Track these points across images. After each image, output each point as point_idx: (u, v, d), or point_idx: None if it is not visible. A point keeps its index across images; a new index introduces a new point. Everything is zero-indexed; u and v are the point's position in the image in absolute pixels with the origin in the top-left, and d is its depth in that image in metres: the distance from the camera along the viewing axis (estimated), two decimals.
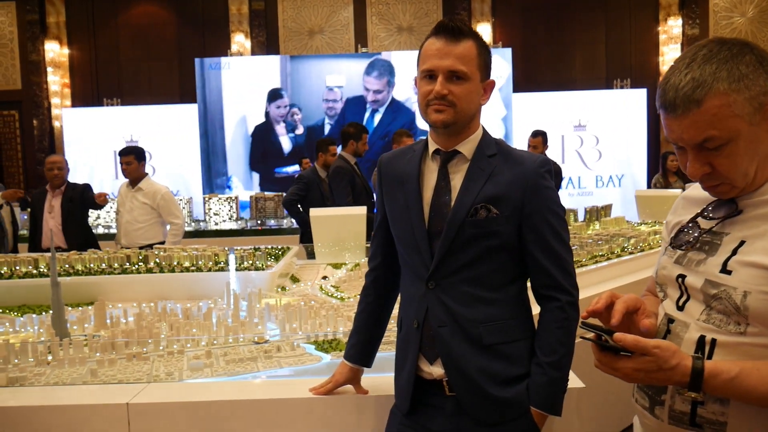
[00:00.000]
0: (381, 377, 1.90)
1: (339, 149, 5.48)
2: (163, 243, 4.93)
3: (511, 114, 9.88)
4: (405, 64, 9.92)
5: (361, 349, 1.80)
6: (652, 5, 12.36)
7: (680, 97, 1.09)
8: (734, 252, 1.11)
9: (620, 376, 1.12)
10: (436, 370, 1.58)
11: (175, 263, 3.49)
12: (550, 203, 1.56)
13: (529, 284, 1.63)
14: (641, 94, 10.86)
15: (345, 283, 3.45)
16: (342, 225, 4.20)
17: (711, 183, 1.15)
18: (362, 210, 4.32)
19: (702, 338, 1.13)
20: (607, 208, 6.24)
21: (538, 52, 11.44)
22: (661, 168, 7.57)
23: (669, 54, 12.25)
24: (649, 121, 11.22)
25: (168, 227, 5.11)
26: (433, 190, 1.59)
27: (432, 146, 1.63)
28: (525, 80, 10.67)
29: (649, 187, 10.67)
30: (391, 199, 1.67)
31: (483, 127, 1.64)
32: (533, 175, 1.55)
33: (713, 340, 1.11)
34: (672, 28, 12.19)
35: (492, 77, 1.61)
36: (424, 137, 1.69)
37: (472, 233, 1.52)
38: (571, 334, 1.55)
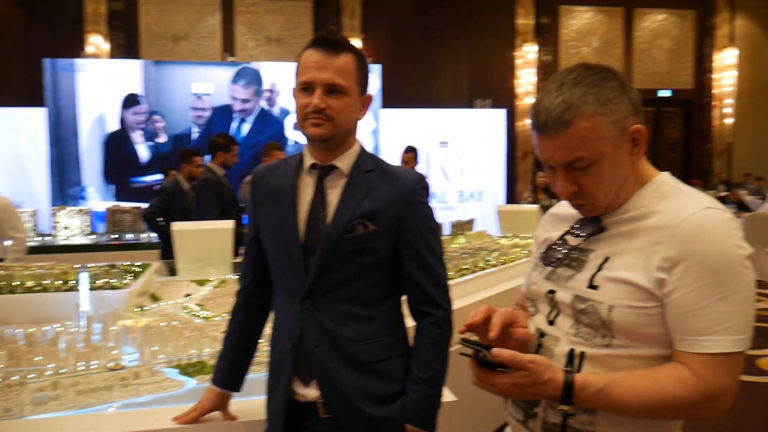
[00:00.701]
0: (251, 401, 1.81)
1: (207, 159, 5.27)
2: (2, 260, 4.46)
3: (378, 128, 10.05)
4: (274, 75, 9.79)
5: (230, 373, 1.70)
6: (510, 31, 13.15)
7: (551, 119, 1.13)
8: (600, 268, 1.16)
9: (496, 392, 1.13)
10: (310, 392, 1.52)
11: (17, 283, 3.15)
12: (426, 219, 1.57)
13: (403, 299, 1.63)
14: (501, 114, 11.48)
15: (210, 301, 3.29)
16: (207, 239, 4.02)
17: (578, 201, 1.20)
18: (229, 224, 4.17)
19: (571, 351, 1.17)
20: (470, 223, 6.49)
21: (406, 69, 11.77)
22: (531, 184, 7.94)
23: (524, 77, 13.07)
24: (507, 140, 11.89)
25: (7, 242, 4.63)
26: (309, 205, 1.55)
27: (308, 160, 1.58)
28: (393, 96, 10.92)
29: (509, 202, 11.27)
30: (265, 214, 1.61)
31: (360, 142, 1.62)
32: (410, 191, 1.55)
33: (582, 353, 1.16)
34: (527, 53, 13.02)
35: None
36: (299, 152, 1.65)
37: (349, 250, 1.49)
38: (446, 349, 1.56)
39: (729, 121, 15.67)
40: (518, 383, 1.10)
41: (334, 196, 1.54)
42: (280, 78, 9.78)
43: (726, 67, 15.46)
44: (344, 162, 1.56)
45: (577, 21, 14.39)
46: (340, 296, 1.51)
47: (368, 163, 1.58)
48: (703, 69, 15.50)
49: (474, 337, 1.24)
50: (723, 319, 1.05)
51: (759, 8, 15.95)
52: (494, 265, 4.08)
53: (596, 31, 14.61)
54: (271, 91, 9.70)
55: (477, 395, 2.94)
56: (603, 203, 1.19)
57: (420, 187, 1.57)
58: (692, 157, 15.68)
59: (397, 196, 1.53)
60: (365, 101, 1.57)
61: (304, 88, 1.50)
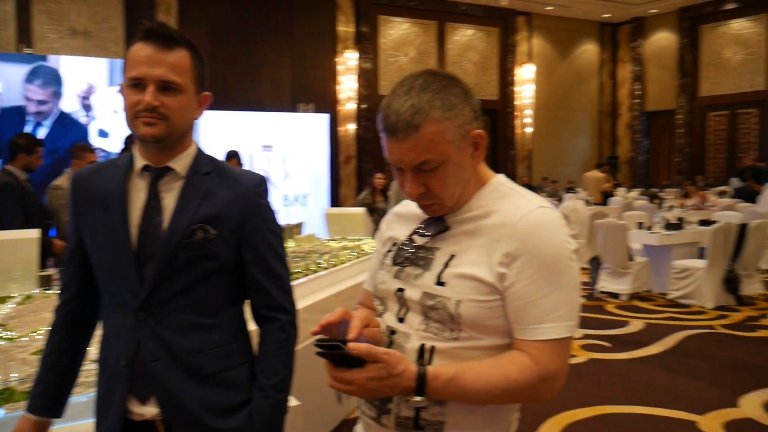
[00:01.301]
0: (76, 426, 1.64)
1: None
2: None
3: (198, 131, 9.67)
4: (78, 71, 9.01)
5: (48, 398, 1.53)
6: (332, 37, 13.34)
7: (401, 122, 1.16)
8: (446, 265, 1.22)
9: (354, 390, 1.13)
10: (149, 410, 1.41)
11: None
12: (269, 222, 1.53)
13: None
14: (324, 118, 11.59)
15: (14, 320, 2.93)
16: (8, 251, 3.59)
17: (426, 202, 1.25)
18: (34, 233, 3.76)
19: (422, 346, 1.21)
20: (298, 226, 6.47)
21: (226, 70, 11.44)
22: (369, 186, 8.02)
23: (346, 83, 13.32)
24: (331, 144, 12.04)
25: None
26: (142, 210, 1.43)
27: (139, 162, 1.46)
28: (213, 98, 10.56)
29: (333, 205, 11.41)
30: (90, 220, 1.46)
31: (197, 144, 1.54)
32: (251, 193, 1.50)
33: (432, 348, 1.20)
34: (348, 60, 13.29)
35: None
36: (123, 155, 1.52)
37: (189, 256, 1.41)
38: (292, 353, 1.53)
39: (529, 130, 17.26)
40: (375, 376, 1.11)
41: (170, 200, 1.45)
42: (89, 75, 9.02)
43: (526, 81, 17.01)
44: (180, 164, 1.47)
45: (395, 31, 14.99)
46: (179, 306, 1.42)
47: (206, 164, 1.51)
48: (506, 82, 16.91)
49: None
50: (555, 308, 1.15)
51: (553, 30, 17.78)
52: (326, 268, 4.11)
53: (412, 42, 15.32)
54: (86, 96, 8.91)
55: (315, 396, 2.94)
56: (449, 203, 1.24)
57: (262, 189, 1.54)
58: (498, 162, 17.01)
59: (238, 199, 1.48)
60: (202, 100, 1.50)
61: (135, 84, 1.39)
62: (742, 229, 6.68)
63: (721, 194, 12.23)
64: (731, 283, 6.47)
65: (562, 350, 1.17)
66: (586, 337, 5.50)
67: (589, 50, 18.72)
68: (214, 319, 1.46)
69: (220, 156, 6.41)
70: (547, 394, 1.17)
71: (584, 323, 5.94)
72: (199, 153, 1.52)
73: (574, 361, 4.86)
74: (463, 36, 16.27)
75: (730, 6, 16.53)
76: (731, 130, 17.01)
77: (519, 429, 1.30)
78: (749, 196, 10.62)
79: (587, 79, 18.77)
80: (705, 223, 7.37)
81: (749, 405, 3.93)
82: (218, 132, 9.74)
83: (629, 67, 18.81)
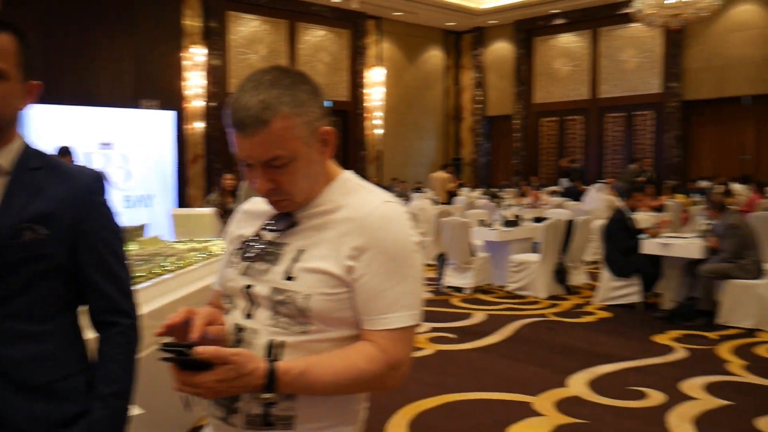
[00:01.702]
0: None
1: None
2: None
3: (26, 126, 8.85)
4: None
5: None
6: (177, 32, 12.79)
7: (250, 117, 1.16)
8: (295, 260, 1.23)
9: (203, 393, 1.11)
10: None
11: None
12: (107, 221, 1.45)
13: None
14: (169, 115, 11.09)
15: None
16: None
17: (275, 198, 1.25)
18: None
19: (271, 342, 1.21)
20: (141, 228, 6.14)
21: (56, 62, 10.57)
22: (218, 187, 7.75)
23: (193, 80, 12.85)
24: (177, 143, 11.55)
25: None
26: None
27: None
28: (44, 90, 9.73)
29: (181, 206, 10.95)
30: None
31: (24, 137, 1.42)
32: (87, 191, 1.41)
33: (282, 342, 1.20)
34: (195, 56, 12.82)
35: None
36: None
37: (16, 259, 1.30)
38: (134, 359, 1.46)
39: (379, 131, 17.68)
40: (224, 378, 1.10)
41: None
42: None
43: (375, 84, 17.40)
44: (5, 158, 1.35)
45: (245, 28, 14.69)
46: (5, 313, 1.30)
47: (35, 159, 1.40)
48: (357, 84, 17.19)
49: (171, 340, 1.20)
50: (401, 299, 1.20)
51: (401, 35, 18.34)
52: (172, 270, 3.94)
53: (263, 40, 15.11)
54: None
55: (161, 404, 2.81)
56: (298, 199, 1.25)
57: (99, 186, 1.45)
58: (350, 163, 17.25)
59: (72, 197, 1.38)
60: (30, 89, 1.39)
61: None
62: (570, 225, 7.33)
63: (553, 193, 13.31)
64: (561, 274, 7.07)
65: (407, 338, 1.22)
66: (433, 330, 5.75)
67: (435, 56, 19.54)
68: (45, 326, 1.35)
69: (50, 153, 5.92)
70: (394, 382, 1.22)
71: (431, 317, 6.21)
72: (27, 147, 1.41)
73: (421, 353, 5.06)
74: (314, 36, 16.32)
75: (559, 21, 18.01)
76: (560, 135, 18.57)
77: (369, 423, 1.35)
78: (576, 195, 11.67)
79: (433, 83, 19.58)
80: (538, 220, 7.98)
81: (576, 384, 4.32)
82: (48, 127, 8.97)
83: (471, 74, 19.89)
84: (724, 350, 5.05)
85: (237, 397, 1.21)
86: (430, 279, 8.22)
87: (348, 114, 17.14)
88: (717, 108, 15.94)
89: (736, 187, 11.57)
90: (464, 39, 19.93)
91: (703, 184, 13.02)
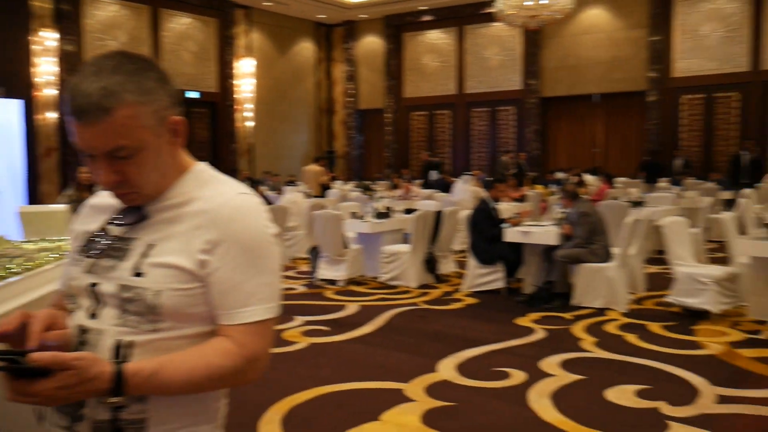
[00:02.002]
0: None
1: None
2: None
3: None
4: None
5: None
6: (25, 13, 11.77)
7: (90, 105, 1.08)
8: (144, 255, 1.16)
9: (41, 401, 1.02)
10: None
11: None
12: None
13: None
14: (16, 104, 10.20)
15: None
16: None
17: (122, 191, 1.18)
18: None
19: (119, 342, 1.14)
20: None
21: None
22: (75, 182, 7.19)
23: (44, 66, 11.91)
24: (27, 135, 10.65)
25: None
26: None
27: None
28: None
29: (32, 202, 10.13)
30: None
31: None
32: None
33: (130, 342, 1.14)
34: (46, 40, 11.88)
35: None
36: None
37: None
38: None
39: (250, 123, 17.32)
40: (64, 385, 1.02)
41: None
42: None
43: (245, 75, 17.02)
44: None
45: (102, 12, 13.82)
46: None
47: None
48: (226, 74, 16.72)
49: (3, 347, 1.10)
50: (257, 291, 1.18)
51: (272, 26, 18.04)
52: (18, 273, 3.63)
53: (123, 26, 14.28)
54: None
55: (7, 420, 2.58)
56: (147, 192, 1.19)
57: None
58: (220, 156, 16.76)
59: None
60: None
61: None
62: (438, 215, 7.58)
63: (424, 185, 13.69)
64: (430, 264, 7.29)
65: (266, 331, 1.20)
66: (307, 323, 5.73)
67: (306, 48, 19.42)
68: None
69: None
70: (253, 376, 1.19)
71: (305, 310, 6.19)
72: None
73: (294, 347, 5.03)
74: (180, 24, 15.66)
75: (427, 18, 18.51)
76: (430, 128, 19.14)
77: (241, 421, 1.31)
78: (444, 187, 12.08)
79: (305, 76, 19.46)
80: (409, 212, 8.18)
81: (445, 369, 4.48)
82: None
83: (343, 67, 19.98)
84: (578, 329, 5.44)
85: (82, 403, 1.13)
86: (303, 272, 8.19)
87: (217, 105, 16.64)
88: (571, 104, 17.13)
89: (588, 177, 12.49)
90: (335, 32, 19.97)
91: (560, 175, 13.93)
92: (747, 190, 10.03)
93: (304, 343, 5.17)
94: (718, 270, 5.69)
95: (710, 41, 14.96)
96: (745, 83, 14.68)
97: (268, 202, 9.60)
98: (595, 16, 16.21)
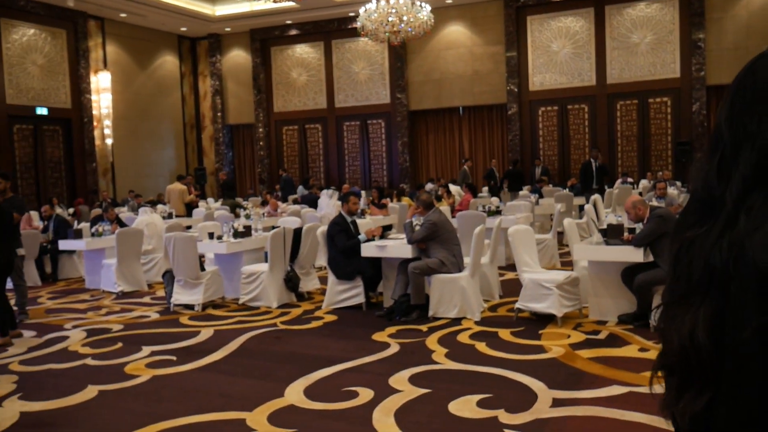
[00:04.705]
0: None
1: None
2: None
3: None
4: None
5: None
6: None
7: None
8: None
9: None
10: None
11: None
12: None
13: None
14: None
15: None
16: None
17: None
18: None
19: None
20: None
21: None
22: None
23: None
24: None
25: None
26: None
27: None
28: None
29: None
30: None
31: None
32: None
33: None
34: None
35: None
36: None
37: None
38: None
39: (110, 141, 16.37)
40: None
41: None
42: None
43: (102, 90, 16.10)
44: None
45: None
46: None
47: None
48: (80, 89, 15.72)
49: None
50: None
51: (129, 38, 17.19)
52: None
53: None
54: None
55: None
56: None
57: None
58: (77, 176, 15.71)
59: None
60: None
61: None
62: (299, 232, 7.44)
63: (295, 201, 13.52)
64: (291, 282, 7.13)
65: None
66: (153, 354, 5.38)
67: (169, 62, 18.70)
68: None
69: None
70: None
71: (154, 339, 5.83)
72: None
73: (134, 381, 4.70)
74: (24, 35, 14.55)
75: (293, 32, 18.41)
76: (302, 143, 18.99)
77: None
78: (312, 202, 11.97)
79: (169, 90, 18.73)
80: (272, 229, 7.97)
81: (293, 393, 4.34)
82: None
83: (210, 82, 19.43)
84: (432, 341, 5.49)
85: None
86: (159, 298, 7.76)
87: (71, 122, 15.59)
88: (438, 117, 17.64)
89: (453, 188, 12.85)
90: (200, 45, 19.41)
91: (429, 186, 14.25)
92: (596, 196, 10.70)
93: (146, 375, 4.84)
94: (560, 275, 5.96)
95: (560, 57, 15.95)
96: (592, 96, 15.76)
97: (122, 225, 9.05)
98: (456, 32, 16.81)
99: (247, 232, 7.64)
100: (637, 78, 15.27)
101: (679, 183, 13.25)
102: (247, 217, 9.90)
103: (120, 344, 5.75)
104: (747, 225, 1.04)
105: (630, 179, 14.42)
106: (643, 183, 13.66)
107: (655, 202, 8.42)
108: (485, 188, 14.97)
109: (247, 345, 5.62)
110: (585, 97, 15.85)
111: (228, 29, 18.50)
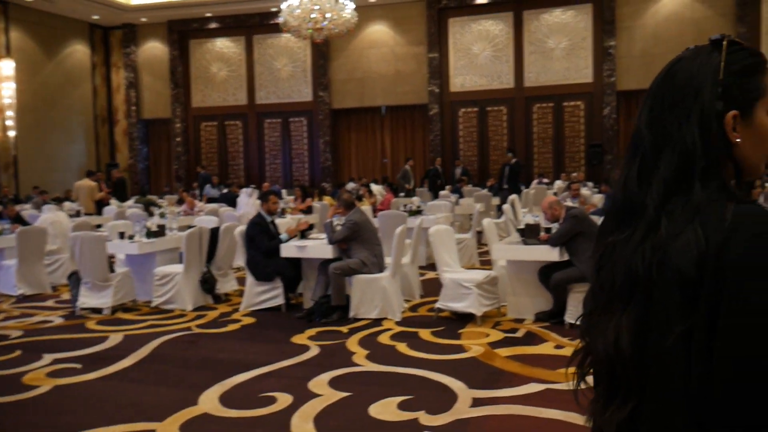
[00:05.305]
0: None
1: None
2: None
3: None
4: None
5: None
6: None
7: None
8: None
9: None
10: None
11: None
12: None
13: None
14: None
15: None
16: None
17: None
18: None
19: None
20: None
21: None
22: None
23: None
24: None
25: None
26: None
27: None
28: None
29: None
30: None
31: None
32: None
33: None
34: None
35: None
36: None
37: None
38: None
39: (12, 133, 15.40)
40: None
41: None
42: None
43: (5, 78, 15.13)
44: None
45: None
46: None
47: None
48: None
49: None
50: None
51: (35, 24, 16.21)
52: None
53: None
54: None
55: None
56: None
57: None
58: None
59: None
60: None
61: None
62: (216, 231, 7.20)
63: (212, 200, 13.12)
64: (207, 283, 6.89)
65: None
66: (56, 362, 5.05)
67: (79, 51, 17.79)
68: None
69: None
70: None
71: (57, 346, 5.47)
72: None
73: (34, 392, 4.38)
74: None
75: (213, 25, 17.90)
76: (221, 139, 18.51)
77: None
78: (231, 200, 11.66)
79: (79, 81, 17.82)
80: (188, 228, 7.68)
81: (207, 400, 4.16)
82: None
83: (123, 74, 18.62)
84: (353, 342, 5.41)
85: None
86: (63, 301, 7.32)
87: None
88: (360, 116, 17.60)
89: (375, 187, 12.84)
90: (113, 35, 18.57)
91: (351, 185, 14.17)
92: (513, 196, 10.94)
93: (47, 386, 4.52)
94: (479, 274, 6.03)
95: (481, 60, 16.24)
96: (511, 98, 16.15)
97: (24, 223, 8.49)
98: (379, 31, 16.82)
99: (161, 231, 7.32)
100: (553, 82, 15.75)
101: (591, 184, 13.76)
102: (162, 215, 9.51)
103: (19, 352, 5.36)
104: (669, 230, 1.02)
105: (545, 180, 14.86)
106: (558, 183, 14.10)
107: (569, 203, 8.67)
108: (418, 189, 14.89)
109: (160, 350, 5.36)
110: (504, 100, 16.21)
111: (144, 19, 17.77)
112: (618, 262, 1.04)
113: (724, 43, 1.01)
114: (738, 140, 1.00)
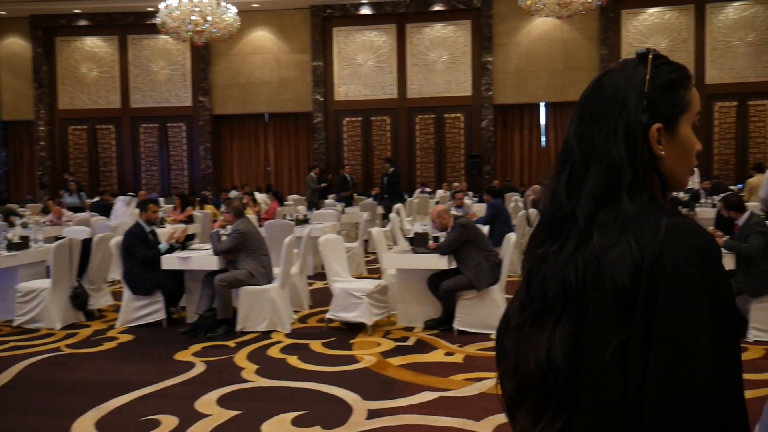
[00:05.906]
0: None
1: None
2: None
3: None
4: None
5: None
6: None
7: None
8: None
9: None
10: None
11: None
12: None
13: None
14: None
15: None
16: None
17: None
18: None
19: None
20: None
21: None
22: None
23: None
24: None
25: None
26: None
27: None
28: None
29: None
30: None
31: None
32: None
33: None
34: None
35: None
36: None
37: None
38: None
39: None
40: None
41: None
42: None
43: None
44: None
45: None
46: None
47: None
48: None
49: None
50: None
51: None
52: None
53: None
54: None
55: None
56: None
57: None
58: None
59: None
60: None
61: None
62: (89, 243, 6.70)
63: (76, 209, 12.24)
64: (79, 299, 6.38)
65: None
66: None
67: None
68: None
69: None
70: None
71: None
72: None
73: None
74: None
75: (83, 23, 16.82)
76: (92, 144, 17.37)
77: None
78: (104, 209, 10.94)
79: None
80: (55, 240, 7.09)
81: (81, 428, 3.82)
82: None
83: None
84: (241, 357, 5.21)
85: None
86: None
87: None
88: (243, 123, 17.19)
89: (259, 196, 12.55)
90: None
91: (233, 193, 13.77)
92: (398, 205, 11.07)
93: None
94: (370, 284, 6.01)
95: (365, 69, 16.39)
96: (394, 108, 16.41)
97: None
98: (263, 37, 16.53)
99: (24, 243, 6.70)
100: (435, 94, 16.17)
101: (471, 193, 14.23)
102: (24, 226, 8.71)
103: None
104: (601, 242, 1.02)
105: (428, 189, 15.21)
106: (440, 193, 14.46)
107: (453, 211, 8.90)
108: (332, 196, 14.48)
109: (24, 374, 4.88)
110: (387, 110, 16.43)
111: (3, 12, 16.35)
112: (549, 275, 1.02)
113: (650, 56, 1.03)
114: (663, 153, 1.01)
